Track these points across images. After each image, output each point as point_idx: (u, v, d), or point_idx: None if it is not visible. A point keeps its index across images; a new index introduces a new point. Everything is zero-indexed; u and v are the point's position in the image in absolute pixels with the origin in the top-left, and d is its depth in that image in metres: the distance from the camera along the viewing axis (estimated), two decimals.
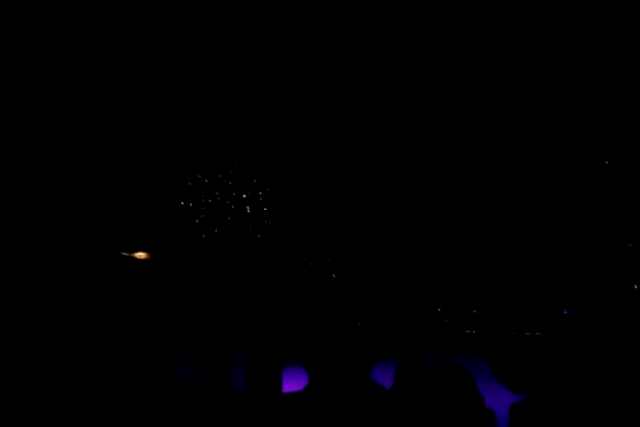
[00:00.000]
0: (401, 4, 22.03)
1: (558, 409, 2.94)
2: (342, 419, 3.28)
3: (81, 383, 4.14)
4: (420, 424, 2.88)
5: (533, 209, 25.15)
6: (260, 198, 24.16)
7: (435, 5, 22.18)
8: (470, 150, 24.43)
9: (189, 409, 3.42)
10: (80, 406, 3.92)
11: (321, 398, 3.37)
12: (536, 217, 25.26)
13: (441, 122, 24.07)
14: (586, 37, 21.15)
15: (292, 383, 4.12)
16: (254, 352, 4.19)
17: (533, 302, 27.99)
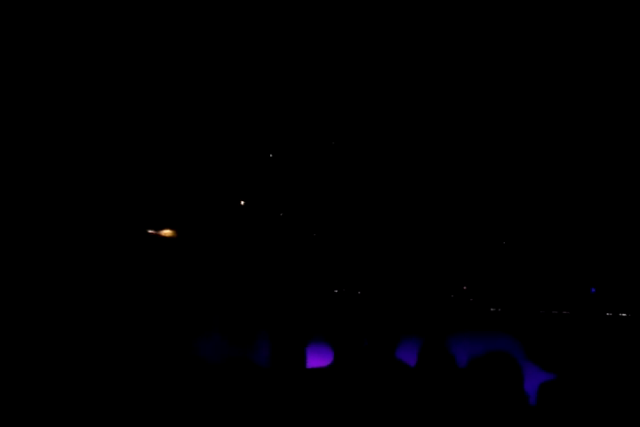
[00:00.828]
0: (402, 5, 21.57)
1: (589, 389, 2.90)
2: (366, 395, 3.27)
3: (104, 360, 4.18)
4: (443, 404, 2.86)
5: (558, 195, 24.86)
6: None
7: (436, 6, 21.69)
8: (474, 155, 24.10)
9: (214, 386, 3.43)
10: (101, 383, 3.96)
11: (345, 375, 3.37)
12: (562, 202, 24.96)
13: (443, 127, 23.71)
14: (586, 37, 20.59)
15: (317, 359, 4.12)
16: (278, 329, 4.19)
17: (560, 280, 27.70)
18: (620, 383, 2.87)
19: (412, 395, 3.28)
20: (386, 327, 3.45)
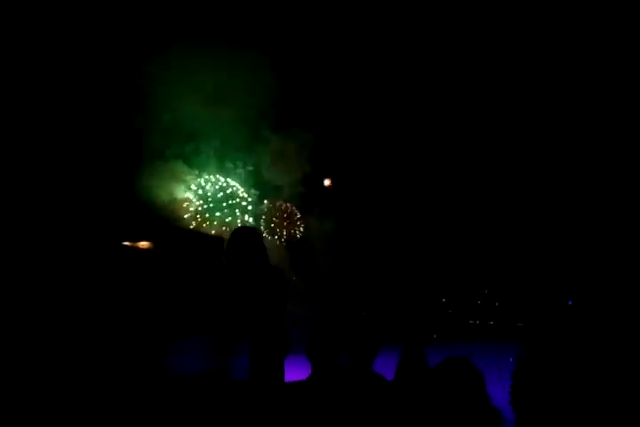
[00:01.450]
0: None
1: (562, 396, 2.94)
2: (344, 408, 3.27)
3: (83, 375, 4.14)
4: (420, 416, 2.87)
5: (530, 206, 25.21)
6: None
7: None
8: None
9: (192, 400, 3.41)
10: (84, 399, 3.92)
11: (323, 388, 3.36)
12: (536, 212, 25.29)
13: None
14: (586, 37, 21.09)
15: (296, 372, 4.12)
16: (257, 342, 4.18)
17: (538, 293, 28.02)
18: (593, 391, 2.91)
19: (389, 408, 3.29)
20: (363, 341, 3.46)
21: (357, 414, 3.23)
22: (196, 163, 23.20)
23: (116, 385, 4.24)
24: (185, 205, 22.97)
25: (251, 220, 23.18)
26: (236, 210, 23.12)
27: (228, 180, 23.77)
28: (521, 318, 25.02)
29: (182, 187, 22.90)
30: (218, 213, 22.64)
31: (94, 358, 4.35)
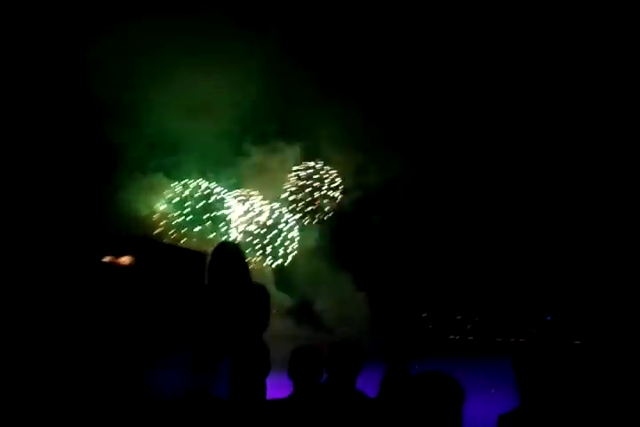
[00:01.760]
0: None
1: (545, 415, 2.94)
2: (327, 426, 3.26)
3: (64, 395, 4.08)
4: None
5: (516, 215, 25.37)
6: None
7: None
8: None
9: (175, 419, 3.37)
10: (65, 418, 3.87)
11: (305, 406, 3.35)
12: (519, 223, 25.45)
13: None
14: (586, 37, 21.38)
15: (278, 390, 4.09)
16: (238, 360, 4.16)
17: (517, 309, 28.15)
18: (577, 407, 2.93)
19: (371, 425, 3.28)
20: (346, 358, 3.44)
21: None
22: (176, 175, 22.72)
23: (95, 404, 4.19)
24: (160, 219, 22.37)
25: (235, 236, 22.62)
26: (221, 223, 22.44)
27: (211, 185, 22.80)
28: (501, 334, 25.11)
29: (161, 200, 22.36)
30: (197, 228, 22.12)
31: (73, 377, 4.30)
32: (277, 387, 4.27)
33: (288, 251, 23.29)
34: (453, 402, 2.57)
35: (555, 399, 2.93)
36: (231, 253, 4.45)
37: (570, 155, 23.25)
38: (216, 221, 22.63)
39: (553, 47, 22.32)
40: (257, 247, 22.77)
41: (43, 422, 3.97)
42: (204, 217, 22.32)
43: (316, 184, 24.37)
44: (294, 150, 24.17)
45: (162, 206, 22.30)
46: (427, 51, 23.06)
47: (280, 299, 20.75)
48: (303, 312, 23.71)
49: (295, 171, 24.81)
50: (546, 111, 23.73)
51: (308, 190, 24.37)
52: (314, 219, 24.92)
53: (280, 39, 21.36)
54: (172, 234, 22.38)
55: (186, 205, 22.68)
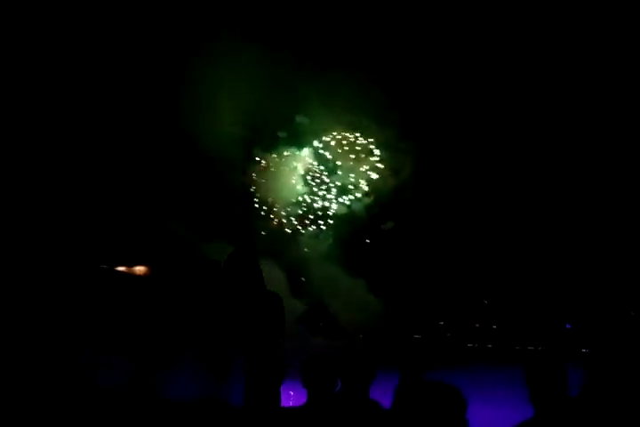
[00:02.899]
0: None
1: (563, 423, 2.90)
2: None
3: (77, 406, 4.09)
4: None
5: (533, 219, 25.17)
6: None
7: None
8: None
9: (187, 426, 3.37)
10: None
11: (319, 415, 3.32)
12: (536, 231, 25.25)
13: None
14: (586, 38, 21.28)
15: (292, 399, 4.07)
16: (252, 368, 4.14)
17: (536, 317, 27.87)
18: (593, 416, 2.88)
19: None
20: (360, 367, 3.41)
21: None
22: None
23: (111, 412, 4.19)
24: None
25: None
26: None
27: None
28: (519, 341, 24.86)
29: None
30: None
31: (87, 386, 4.31)
32: (293, 395, 4.25)
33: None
34: (454, 413, 2.53)
35: (570, 410, 2.88)
36: (245, 260, 4.44)
37: (587, 161, 23.07)
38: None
39: (557, 46, 22.22)
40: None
41: (56, 423, 3.98)
42: None
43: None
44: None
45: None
46: (429, 54, 23.10)
47: (294, 305, 20.77)
48: (317, 319, 23.66)
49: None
50: (551, 110, 23.58)
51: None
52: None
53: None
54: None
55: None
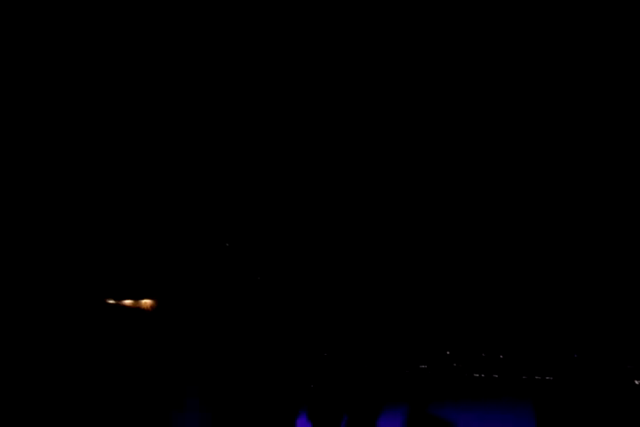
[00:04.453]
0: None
1: None
2: None
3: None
4: None
5: (538, 249, 25.02)
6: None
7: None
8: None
9: None
10: None
11: None
12: (541, 259, 25.09)
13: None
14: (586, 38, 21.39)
15: None
16: (263, 403, 4.13)
17: (543, 346, 27.58)
18: None
19: None
20: (366, 399, 3.41)
21: None
22: None
23: None
24: None
25: None
26: None
27: None
28: (527, 371, 24.57)
29: None
30: None
31: (108, 414, 4.30)
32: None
33: None
34: None
35: None
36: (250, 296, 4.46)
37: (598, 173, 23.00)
38: None
39: (557, 45, 22.38)
40: None
41: None
42: None
43: None
44: None
45: None
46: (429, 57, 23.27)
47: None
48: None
49: None
50: (551, 110, 23.64)
51: None
52: None
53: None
54: None
55: None
